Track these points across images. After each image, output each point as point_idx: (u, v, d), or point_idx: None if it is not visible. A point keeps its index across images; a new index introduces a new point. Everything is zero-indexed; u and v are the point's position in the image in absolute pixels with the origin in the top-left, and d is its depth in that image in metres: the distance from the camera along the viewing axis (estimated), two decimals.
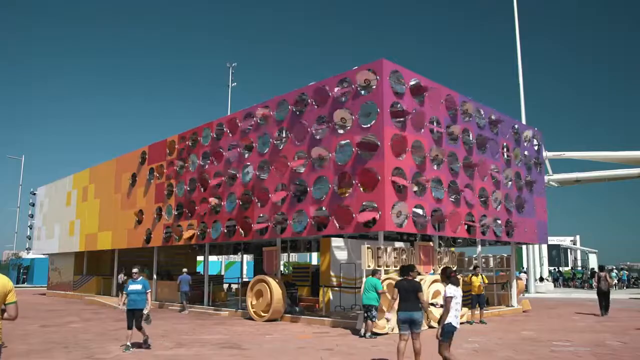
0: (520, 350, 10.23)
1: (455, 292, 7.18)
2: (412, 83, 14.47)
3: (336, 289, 17.57)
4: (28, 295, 30.93)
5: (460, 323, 14.57)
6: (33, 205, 46.48)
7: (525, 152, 19.64)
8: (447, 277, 7.52)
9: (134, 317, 10.18)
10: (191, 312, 19.11)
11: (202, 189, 19.22)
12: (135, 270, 10.58)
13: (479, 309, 15.42)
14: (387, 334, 12.63)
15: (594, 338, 11.96)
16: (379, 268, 13.13)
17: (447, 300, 7.11)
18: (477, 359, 9.42)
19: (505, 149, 18.33)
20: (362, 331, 12.27)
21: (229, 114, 23.56)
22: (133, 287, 10.29)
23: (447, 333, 7.14)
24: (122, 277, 22.77)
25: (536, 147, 20.79)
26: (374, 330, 12.30)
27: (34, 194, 43.96)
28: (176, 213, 20.46)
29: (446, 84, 16.26)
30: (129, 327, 10.18)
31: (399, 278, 8.47)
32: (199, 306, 19.76)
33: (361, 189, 13.48)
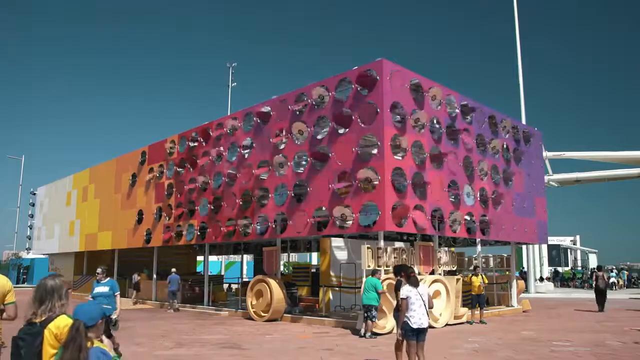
0: (520, 350, 10.23)
1: (409, 292, 7.14)
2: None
3: (336, 289, 17.58)
4: (28, 295, 30.75)
5: (459, 323, 14.78)
6: (33, 205, 46.45)
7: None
8: (407, 277, 7.47)
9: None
10: (191, 312, 19.11)
11: (202, 190, 19.25)
12: (99, 270, 9.28)
13: (479, 309, 15.43)
14: (387, 333, 12.63)
15: (594, 338, 11.96)
16: (378, 268, 13.14)
17: (402, 301, 7.13)
18: (477, 359, 9.42)
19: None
20: (362, 331, 12.27)
21: (228, 114, 23.58)
22: (99, 289, 8.99)
23: (405, 332, 7.14)
24: (135, 277, 22.83)
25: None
26: (374, 330, 12.30)
27: (34, 194, 43.94)
28: (176, 213, 20.46)
29: (446, 84, 16.27)
30: None
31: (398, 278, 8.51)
32: (199, 306, 19.77)
33: (361, 189, 13.49)
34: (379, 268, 13.14)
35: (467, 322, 15.21)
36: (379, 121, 13.37)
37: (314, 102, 15.19)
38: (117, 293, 9.09)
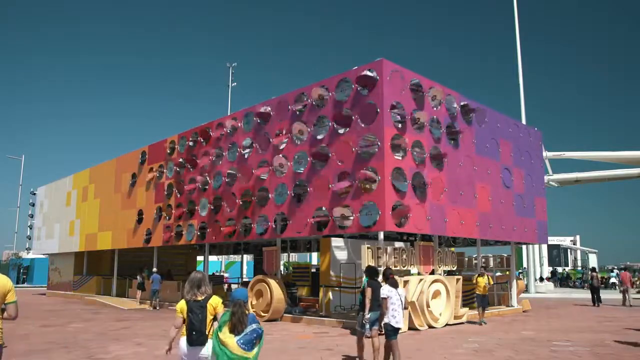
0: (520, 350, 10.23)
1: (389, 292, 7.46)
2: None
3: (336, 289, 17.57)
4: (28, 295, 30.93)
5: (459, 323, 14.77)
6: (33, 205, 46.45)
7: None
8: (386, 278, 7.81)
9: None
10: None
11: (202, 189, 19.27)
12: None
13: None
14: None
15: (594, 338, 11.96)
16: (379, 267, 13.10)
17: (383, 300, 7.44)
18: (477, 359, 9.42)
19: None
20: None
21: (229, 113, 23.63)
22: None
23: (388, 332, 7.43)
24: (140, 278, 22.89)
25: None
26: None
27: (34, 194, 43.93)
28: (176, 213, 20.47)
29: (446, 84, 16.24)
30: None
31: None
32: None
33: (361, 188, 13.49)
34: (379, 267, 13.10)
35: (478, 322, 15.00)
36: (379, 121, 13.38)
37: (314, 102, 15.21)
38: None
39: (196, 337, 5.11)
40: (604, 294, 24.33)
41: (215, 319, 5.16)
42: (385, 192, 12.90)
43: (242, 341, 4.78)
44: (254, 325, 4.86)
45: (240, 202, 17.24)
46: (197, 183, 19.47)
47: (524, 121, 29.22)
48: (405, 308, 7.50)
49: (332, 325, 14.35)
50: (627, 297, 21.65)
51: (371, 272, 8.60)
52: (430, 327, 13.82)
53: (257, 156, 17.00)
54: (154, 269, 21.34)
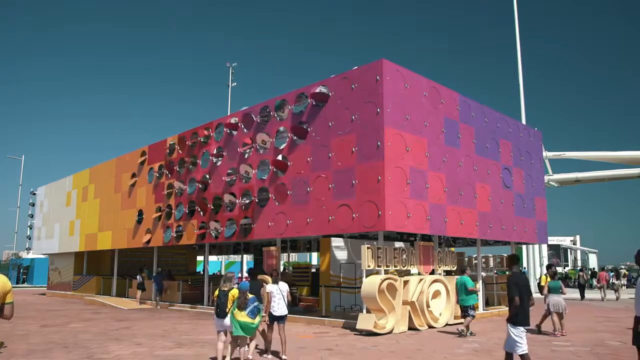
0: None
1: (272, 288, 9.29)
2: None
3: (336, 288, 17.58)
4: (28, 295, 30.92)
5: (460, 323, 14.76)
6: (33, 205, 46.42)
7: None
8: (270, 275, 9.89)
9: None
10: (191, 312, 19.14)
11: (202, 190, 19.27)
12: None
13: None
14: (387, 333, 12.63)
15: (594, 338, 11.97)
16: (466, 266, 13.30)
17: (267, 294, 9.27)
18: (477, 359, 9.42)
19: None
20: (468, 332, 12.28)
21: (229, 113, 23.62)
22: None
23: (270, 319, 9.26)
24: (139, 278, 22.94)
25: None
26: (461, 327, 12.43)
27: (34, 194, 43.90)
28: (177, 213, 20.46)
29: (446, 84, 16.24)
30: None
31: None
32: (199, 306, 19.78)
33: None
34: (466, 266, 13.31)
35: (553, 332, 12.60)
36: (379, 121, 13.37)
37: (314, 102, 15.20)
38: None
39: (221, 312, 8.34)
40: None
41: (232, 302, 8.20)
42: (386, 192, 12.90)
43: (248, 313, 7.95)
44: (255, 303, 8.10)
45: (242, 203, 17.23)
46: (197, 183, 19.47)
47: (524, 121, 29.22)
48: (289, 300, 9.34)
49: (332, 325, 14.35)
50: (603, 293, 25.86)
51: (252, 273, 11.26)
52: (430, 327, 13.83)
53: (256, 156, 16.99)
54: (159, 269, 22.15)
